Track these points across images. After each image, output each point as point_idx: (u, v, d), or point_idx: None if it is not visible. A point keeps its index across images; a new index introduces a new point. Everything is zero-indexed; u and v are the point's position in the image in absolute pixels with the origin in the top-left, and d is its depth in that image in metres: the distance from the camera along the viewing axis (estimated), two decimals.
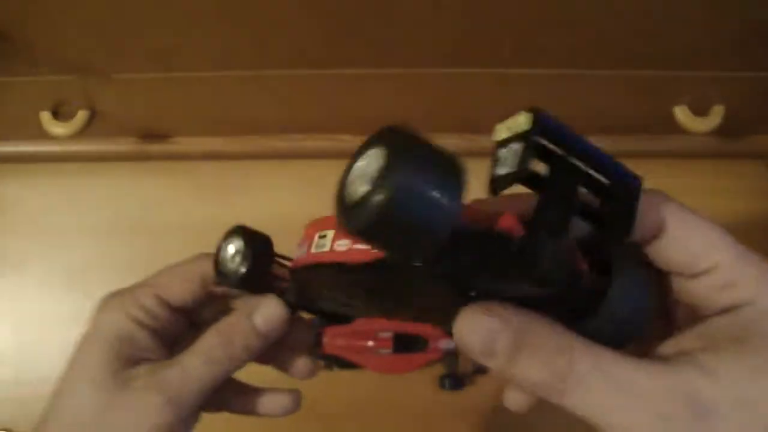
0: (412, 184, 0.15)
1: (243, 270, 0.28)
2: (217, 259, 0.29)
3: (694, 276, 0.21)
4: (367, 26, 0.36)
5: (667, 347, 0.21)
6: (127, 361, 0.28)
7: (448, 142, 0.54)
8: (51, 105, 0.48)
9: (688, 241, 0.21)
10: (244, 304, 0.31)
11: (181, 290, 0.31)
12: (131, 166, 0.57)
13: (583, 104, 0.48)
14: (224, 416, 0.32)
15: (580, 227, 0.19)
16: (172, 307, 0.31)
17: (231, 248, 0.29)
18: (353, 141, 0.54)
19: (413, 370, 0.28)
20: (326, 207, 0.27)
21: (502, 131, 0.19)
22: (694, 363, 0.19)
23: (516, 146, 0.18)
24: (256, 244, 0.29)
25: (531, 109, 0.18)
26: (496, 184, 0.18)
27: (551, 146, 0.18)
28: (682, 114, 0.46)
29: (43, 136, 0.48)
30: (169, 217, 0.56)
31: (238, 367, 0.30)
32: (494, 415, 0.52)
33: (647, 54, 0.39)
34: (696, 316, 0.22)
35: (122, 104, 0.48)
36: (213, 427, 0.32)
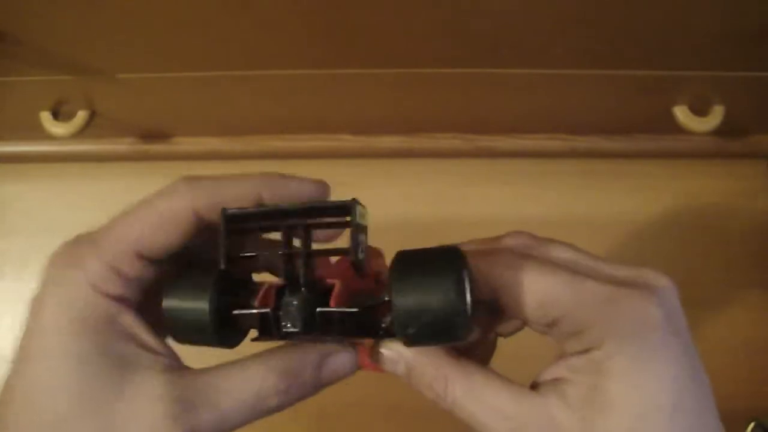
0: (172, 304, 0.24)
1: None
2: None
3: (545, 327, 0.24)
4: (366, 26, 0.36)
5: (546, 374, 0.25)
6: (106, 330, 0.23)
7: (448, 142, 0.55)
8: (51, 105, 0.48)
9: (522, 305, 0.24)
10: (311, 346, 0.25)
11: (164, 240, 0.24)
12: (131, 166, 0.57)
13: (583, 104, 0.48)
14: None
15: None
16: (148, 258, 0.24)
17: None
18: (353, 141, 0.55)
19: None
20: None
21: None
22: (557, 392, 0.24)
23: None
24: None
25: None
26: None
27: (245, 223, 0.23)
28: (682, 114, 0.46)
29: (43, 136, 0.48)
30: None
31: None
32: None
33: (647, 54, 0.39)
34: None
35: (122, 104, 0.48)
36: None
